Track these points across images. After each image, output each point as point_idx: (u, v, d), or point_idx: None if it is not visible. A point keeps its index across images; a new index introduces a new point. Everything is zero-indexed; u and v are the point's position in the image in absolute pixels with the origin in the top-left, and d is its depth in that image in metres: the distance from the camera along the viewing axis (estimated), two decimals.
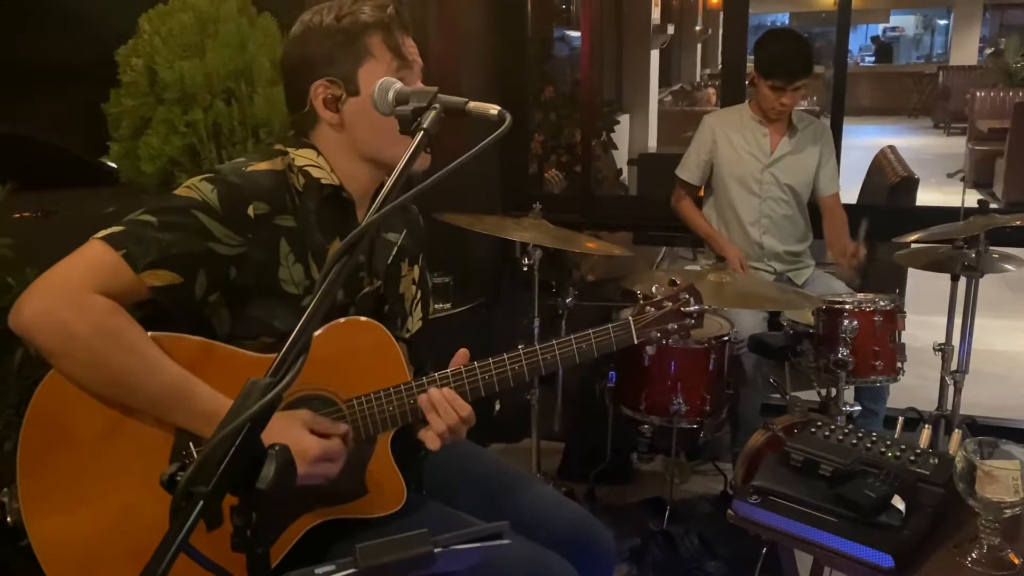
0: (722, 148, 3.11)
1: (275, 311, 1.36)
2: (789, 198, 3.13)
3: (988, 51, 15.84)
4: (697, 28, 13.44)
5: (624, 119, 8.52)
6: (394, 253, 1.55)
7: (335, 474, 1.31)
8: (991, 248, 2.53)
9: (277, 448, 0.73)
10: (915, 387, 2.77)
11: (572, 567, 1.44)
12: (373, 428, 1.37)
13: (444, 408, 1.35)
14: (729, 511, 1.60)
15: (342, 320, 1.38)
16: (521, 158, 3.77)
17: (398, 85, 1.14)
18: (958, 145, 10.72)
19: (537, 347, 1.40)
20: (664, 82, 10.64)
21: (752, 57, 3.16)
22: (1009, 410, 3.80)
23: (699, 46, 13.99)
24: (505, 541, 0.82)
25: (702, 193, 3.27)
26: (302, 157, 1.43)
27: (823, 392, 2.53)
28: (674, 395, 2.51)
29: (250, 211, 1.33)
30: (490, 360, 1.39)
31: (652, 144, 8.74)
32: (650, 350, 2.52)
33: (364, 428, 1.36)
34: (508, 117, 1.06)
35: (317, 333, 1.34)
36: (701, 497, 2.91)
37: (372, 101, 1.16)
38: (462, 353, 1.41)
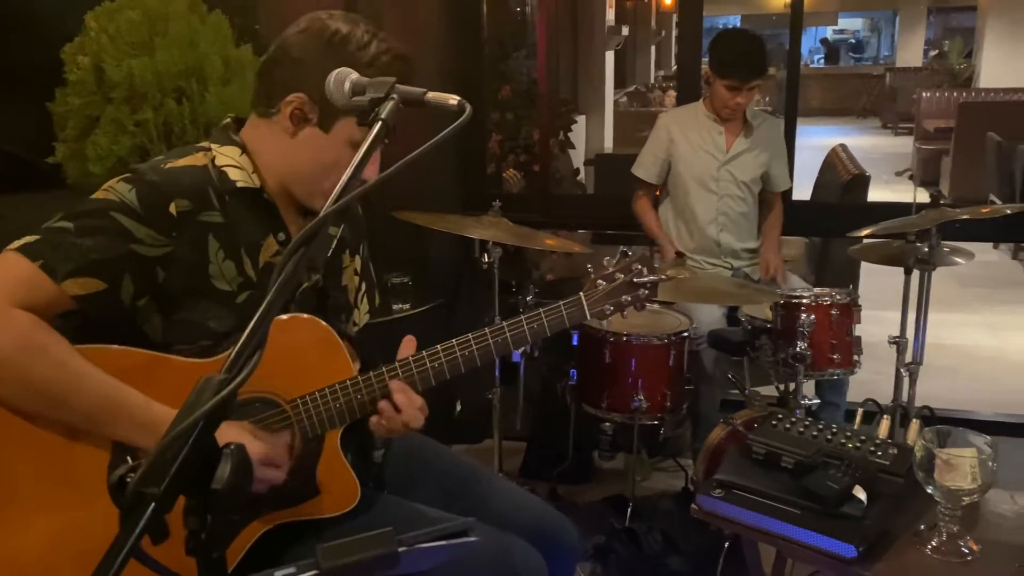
0: (679, 147, 3.12)
1: (210, 312, 1.32)
2: (745, 195, 3.16)
3: (933, 53, 16.24)
4: (651, 30, 13.55)
5: (581, 120, 8.55)
6: (334, 246, 1.51)
7: (280, 480, 1.28)
8: (942, 242, 2.58)
9: (232, 447, 0.70)
10: (871, 381, 2.81)
11: (537, 553, 1.42)
12: (320, 426, 1.34)
13: (392, 395, 1.34)
14: (693, 505, 1.60)
15: (281, 318, 1.34)
16: (479, 157, 3.75)
17: (354, 76, 1.12)
18: (906, 144, 10.96)
19: (487, 330, 1.38)
20: (619, 83, 10.70)
21: (707, 57, 3.18)
22: (961, 402, 3.87)
23: (653, 48, 14.10)
24: (472, 539, 0.80)
25: (658, 192, 3.28)
26: (224, 155, 1.38)
27: (782, 387, 2.55)
28: (635, 392, 2.51)
29: (172, 209, 1.29)
30: (439, 347, 1.37)
31: (608, 145, 8.78)
32: (611, 348, 2.52)
33: (311, 427, 1.33)
34: (468, 107, 1.04)
35: None
36: (663, 494, 2.92)
37: (327, 93, 1.13)
38: (408, 341, 1.39)
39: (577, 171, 5.51)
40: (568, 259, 4.70)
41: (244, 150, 1.39)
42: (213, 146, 1.39)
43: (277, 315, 1.30)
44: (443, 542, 0.77)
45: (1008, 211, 2.48)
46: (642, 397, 2.50)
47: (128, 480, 0.64)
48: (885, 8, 20.06)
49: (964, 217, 2.33)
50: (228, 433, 1.22)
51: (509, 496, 1.57)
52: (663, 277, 1.49)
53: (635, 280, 1.46)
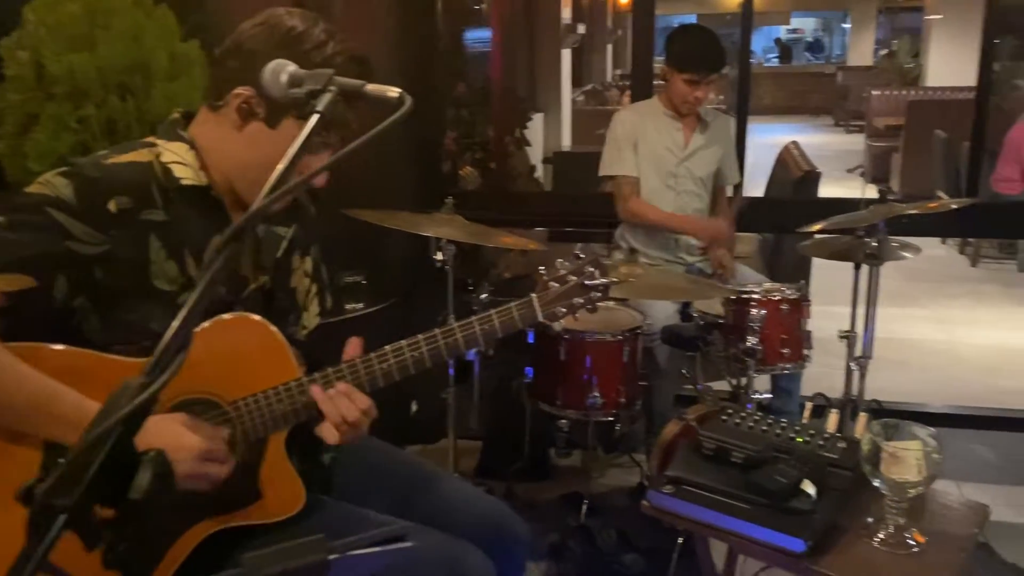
0: (640, 143, 3.11)
1: (151, 312, 1.28)
2: (701, 191, 3.18)
3: (883, 52, 16.55)
4: (608, 29, 13.60)
5: (538, 118, 8.55)
6: (284, 247, 1.48)
7: (223, 476, 1.24)
8: (890, 237, 2.61)
9: (152, 453, 0.67)
10: (822, 375, 2.84)
11: (487, 558, 1.41)
12: (263, 429, 1.30)
13: (339, 399, 1.30)
14: (644, 501, 1.60)
15: (223, 317, 1.31)
16: (434, 155, 3.72)
17: (292, 67, 1.09)
18: (857, 142, 11.16)
19: (438, 331, 1.35)
20: (576, 82, 10.72)
21: (663, 53, 3.17)
22: (910, 395, 3.94)
23: (610, 47, 14.16)
24: (407, 544, 0.78)
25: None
26: (170, 152, 1.35)
27: (734, 381, 2.56)
28: (590, 389, 2.50)
29: (111, 206, 1.25)
30: (387, 348, 1.34)
31: (567, 143, 8.80)
32: (565, 345, 2.51)
33: (253, 430, 1.30)
34: (408, 100, 1.01)
35: (196, 333, 1.27)
36: (618, 490, 2.92)
37: (264, 84, 1.10)
38: (354, 342, 1.36)
39: (533, 168, 5.49)
40: (525, 257, 4.69)
41: (192, 146, 1.36)
42: (159, 142, 1.36)
43: (220, 315, 1.29)
44: (378, 548, 0.75)
45: (954, 206, 2.52)
46: (597, 394, 2.50)
47: (37, 491, 0.60)
48: (837, 8, 20.39)
49: (911, 212, 2.36)
50: (162, 427, 1.18)
51: (462, 497, 1.55)
52: (615, 280, 1.48)
53: (587, 282, 1.45)
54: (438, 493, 1.53)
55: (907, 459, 1.41)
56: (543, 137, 8.66)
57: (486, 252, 4.11)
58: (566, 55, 8.77)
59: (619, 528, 2.49)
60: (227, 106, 1.32)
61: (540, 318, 1.41)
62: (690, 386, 2.95)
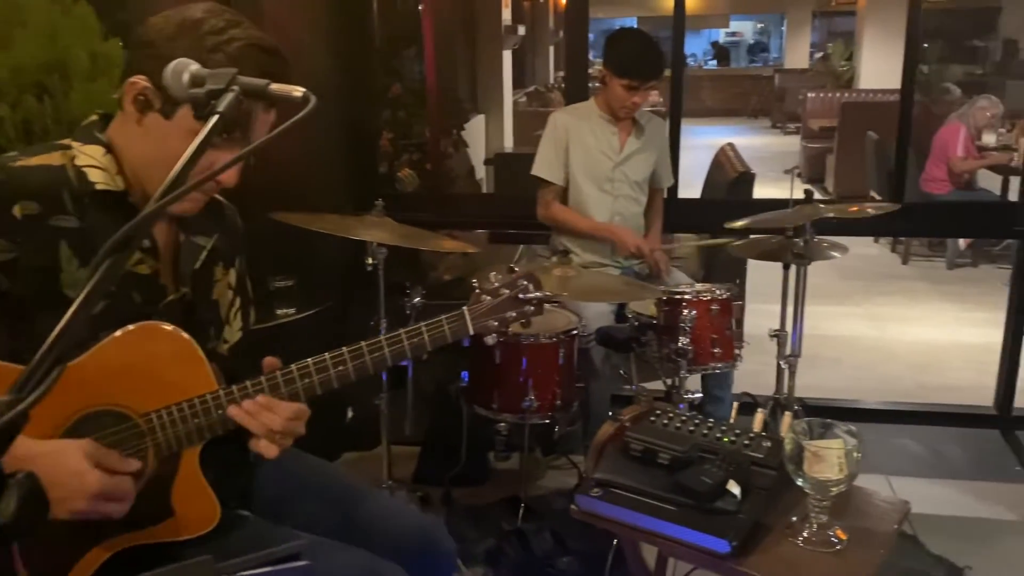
0: (575, 147, 3.09)
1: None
2: (637, 195, 3.19)
3: (818, 55, 16.93)
4: (550, 30, 13.65)
5: (480, 119, 8.54)
6: (203, 257, 1.43)
7: (122, 514, 1.19)
8: (819, 237, 2.66)
9: (20, 476, 0.63)
10: (759, 373, 2.87)
11: (407, 574, 1.38)
12: (176, 443, 1.25)
13: (260, 414, 1.25)
14: (572, 505, 1.59)
15: (132, 327, 1.25)
16: (369, 156, 3.67)
17: (195, 66, 1.04)
18: (794, 143, 11.37)
19: (364, 345, 1.32)
20: (519, 84, 10.73)
21: (601, 56, 3.17)
22: (842, 391, 4.03)
23: (552, 48, 14.21)
24: (303, 563, 0.75)
25: None
26: (85, 155, 1.29)
27: (668, 381, 2.58)
28: (525, 392, 2.49)
29: (16, 211, 1.20)
30: (310, 361, 1.30)
31: (508, 144, 8.80)
32: (500, 348, 2.50)
33: (166, 444, 1.25)
34: (313, 99, 0.98)
35: (105, 342, 1.22)
36: (556, 492, 2.91)
37: (165, 84, 1.05)
38: (269, 362, 1.31)
39: (473, 170, 5.47)
40: (466, 259, 4.67)
41: (109, 149, 1.30)
42: (75, 144, 1.30)
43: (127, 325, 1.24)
44: (270, 568, 0.72)
45: (871, 211, 2.56)
46: (532, 397, 2.49)
47: None
48: (774, 11, 20.80)
49: (830, 215, 2.40)
50: (60, 460, 1.12)
51: (386, 512, 1.51)
52: (549, 294, 1.47)
53: (520, 296, 1.43)
54: (363, 508, 1.50)
55: (829, 458, 1.42)
56: (485, 138, 8.66)
57: (425, 254, 4.07)
58: (507, 56, 8.76)
59: (555, 531, 2.48)
60: (124, 99, 1.28)
61: (471, 332, 1.39)
62: (627, 386, 2.96)
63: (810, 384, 3.83)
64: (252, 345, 1.61)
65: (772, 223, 2.44)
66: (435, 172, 3.82)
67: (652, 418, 1.72)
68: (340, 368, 1.30)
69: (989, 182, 6.74)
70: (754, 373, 2.91)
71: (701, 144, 9.12)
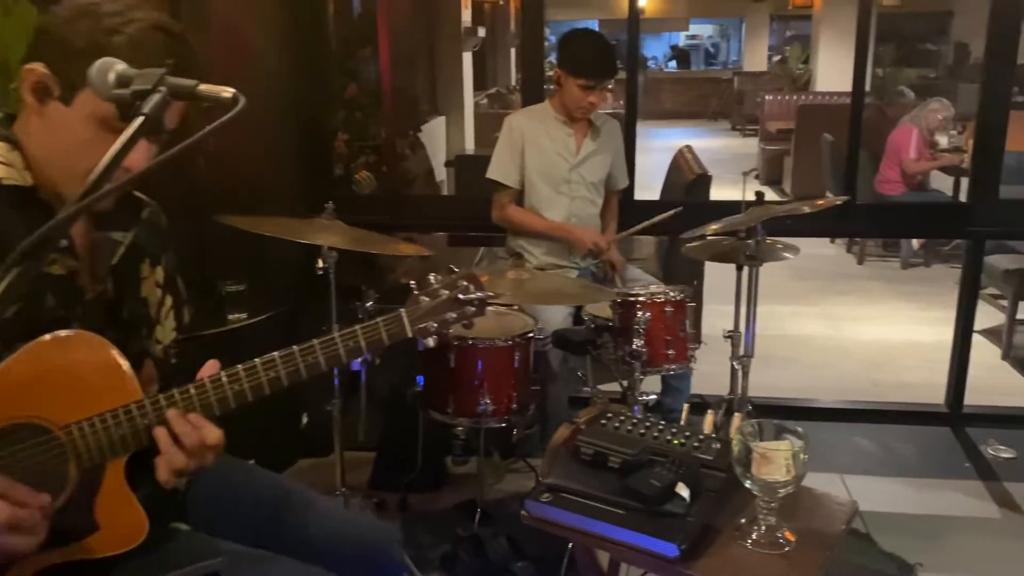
0: (531, 149, 3.08)
1: None
2: (594, 196, 3.19)
3: (776, 59, 17.15)
4: (511, 32, 13.65)
5: (440, 121, 8.50)
6: (121, 253, 1.39)
7: (31, 548, 1.13)
8: (773, 238, 2.68)
9: None
10: (718, 373, 2.88)
11: None
12: (99, 455, 1.20)
13: (182, 429, 1.21)
14: (523, 511, 1.57)
15: (54, 335, 1.21)
16: (324, 158, 3.62)
17: (121, 66, 1.01)
18: (753, 145, 11.49)
19: (296, 349, 1.28)
20: (480, 86, 10.70)
21: (555, 57, 3.17)
22: (798, 390, 4.06)
23: (513, 50, 14.21)
24: None
25: None
26: None
27: (624, 383, 2.57)
28: (481, 395, 2.47)
29: None
30: (240, 368, 1.26)
31: (470, 146, 8.77)
32: (455, 352, 2.47)
33: (87, 456, 1.20)
34: (242, 99, 0.96)
35: (19, 352, 1.17)
36: (513, 496, 2.89)
37: (90, 85, 1.02)
38: (210, 365, 1.28)
39: (431, 172, 5.44)
40: (424, 262, 4.63)
41: (15, 145, 1.26)
42: None
43: (55, 332, 1.20)
44: None
45: (807, 208, 2.56)
46: (488, 400, 2.46)
47: None
48: (733, 15, 21.01)
49: (787, 213, 2.41)
50: None
51: (330, 521, 1.48)
52: (491, 294, 1.44)
53: (461, 297, 1.39)
54: (305, 518, 1.46)
55: (776, 459, 1.42)
56: (446, 140, 8.62)
57: (382, 257, 4.03)
58: (467, 57, 8.73)
59: (511, 536, 2.46)
60: (23, 89, 1.23)
61: (409, 334, 1.35)
62: (585, 388, 2.96)
63: (766, 383, 3.87)
64: (201, 351, 1.56)
65: (725, 227, 2.45)
66: (391, 174, 3.77)
67: (603, 421, 1.71)
68: (271, 374, 1.26)
69: (942, 183, 6.86)
70: (713, 374, 2.92)
71: (661, 146, 9.17)
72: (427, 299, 1.36)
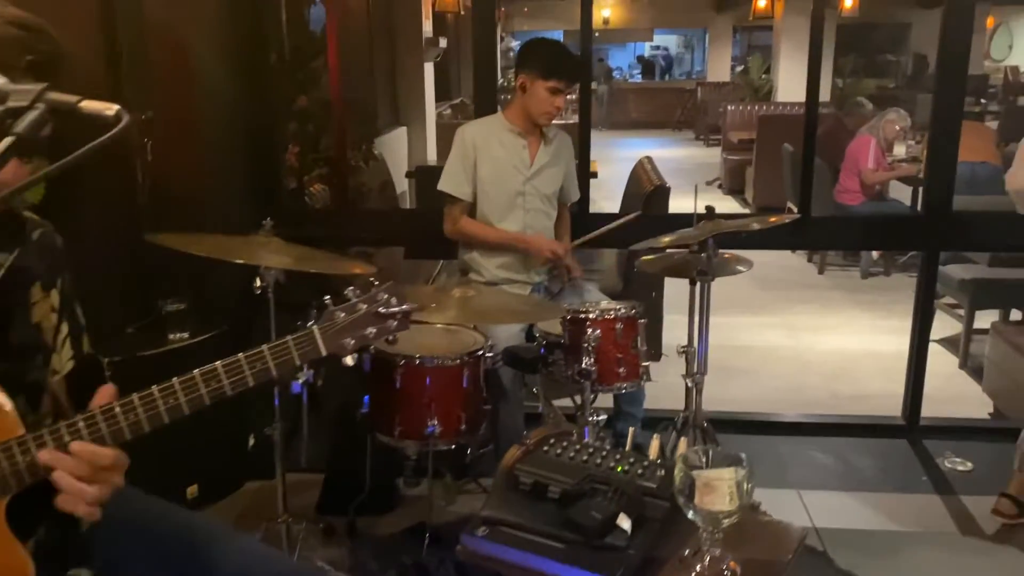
0: (483, 161, 3.02)
1: None
2: (548, 208, 3.13)
3: (739, 69, 17.31)
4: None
5: (402, 132, 8.43)
6: (1, 275, 1.29)
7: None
8: (728, 250, 2.64)
9: None
10: (674, 386, 2.82)
11: None
12: None
13: (68, 463, 1.12)
14: (458, 547, 1.50)
15: None
16: (272, 172, 3.52)
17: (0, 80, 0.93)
18: (716, 155, 11.55)
19: (196, 374, 1.20)
20: (443, 96, 10.64)
21: (517, 64, 3.09)
22: (758, 402, 4.04)
23: None
24: None
25: None
26: None
27: (576, 400, 2.51)
28: (428, 416, 2.39)
29: None
30: (135, 396, 1.18)
31: (432, 157, 8.70)
32: (401, 371, 2.40)
33: None
34: (126, 117, 0.88)
35: None
36: (465, 519, 2.80)
37: None
38: (105, 392, 1.19)
39: (387, 184, 5.36)
40: (381, 276, 4.54)
41: None
42: None
43: None
44: None
45: (756, 225, 2.53)
46: (436, 422, 2.39)
47: None
48: (697, 26, 21.20)
49: (736, 227, 2.37)
50: None
51: (250, 556, 1.39)
52: (414, 306, 1.36)
53: (381, 311, 1.32)
54: (226, 557, 1.38)
55: (720, 488, 1.36)
56: (407, 151, 8.54)
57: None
58: (428, 68, 8.68)
59: (458, 562, 2.37)
60: None
61: (324, 352, 1.27)
62: (538, 403, 2.90)
63: (726, 397, 3.84)
64: (142, 372, 1.47)
65: (676, 240, 2.40)
66: (345, 187, 3.69)
67: (545, 447, 1.64)
68: (170, 402, 1.17)
69: (901, 193, 6.92)
70: (672, 386, 2.85)
71: (627, 156, 9.17)
72: (343, 314, 1.28)
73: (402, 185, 6.96)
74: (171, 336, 2.84)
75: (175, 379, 1.18)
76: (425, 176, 6.74)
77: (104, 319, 2.91)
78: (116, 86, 2.59)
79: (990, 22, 16.30)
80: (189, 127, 3.07)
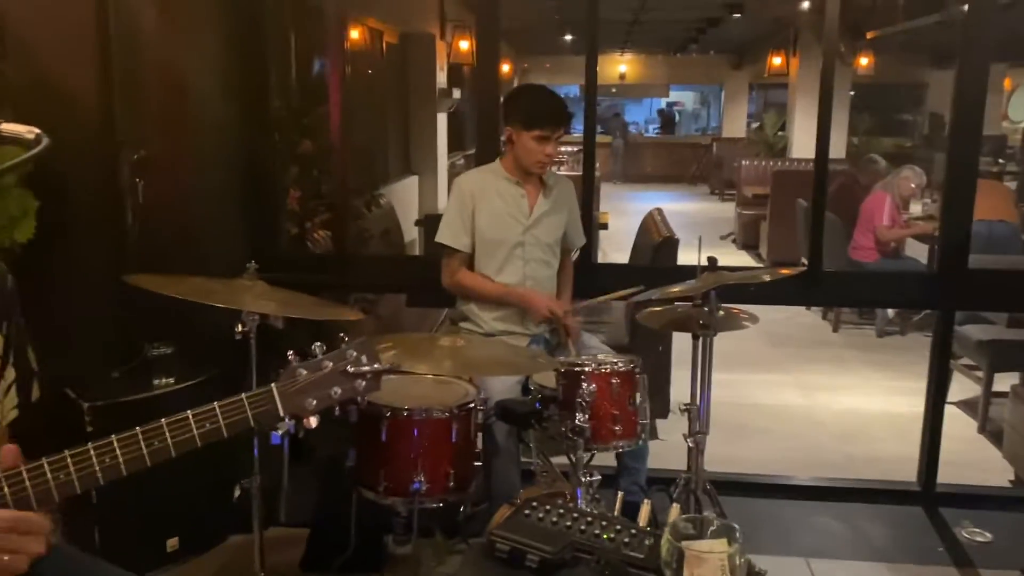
0: (481, 211, 2.95)
1: None
2: (550, 257, 3.05)
3: (754, 125, 17.36)
4: None
5: (413, 180, 8.45)
6: None
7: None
8: (734, 306, 2.53)
9: None
10: (680, 444, 2.67)
11: None
12: None
13: None
14: None
15: None
16: (270, 216, 3.47)
17: None
18: (730, 209, 11.49)
19: (139, 431, 1.10)
20: (457, 146, 10.70)
21: (503, 116, 3.06)
22: (771, 462, 3.89)
23: None
24: None
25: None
26: None
27: (573, 458, 2.39)
28: (414, 472, 2.28)
29: None
30: (67, 454, 1.07)
31: (443, 205, 8.70)
32: (388, 424, 2.29)
33: None
34: (45, 139, 0.81)
35: None
36: None
37: None
38: (7, 451, 1.09)
39: (392, 231, 5.31)
40: (379, 322, 4.46)
41: None
42: None
43: None
44: None
45: (763, 277, 2.44)
46: (423, 478, 2.28)
47: None
48: (713, 83, 21.36)
49: (735, 283, 2.27)
50: None
51: None
52: (387, 367, 1.26)
53: (350, 369, 1.22)
54: None
55: (710, 562, 1.25)
56: (418, 199, 8.55)
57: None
58: (441, 118, 8.73)
59: None
60: None
61: (282, 413, 1.17)
62: (535, 459, 2.77)
63: (736, 456, 3.69)
64: (127, 418, 1.37)
65: (679, 294, 2.30)
66: (343, 232, 3.64)
67: (527, 511, 1.53)
68: (107, 461, 1.07)
69: (917, 251, 6.80)
70: (679, 444, 2.71)
71: (640, 209, 9.11)
72: (305, 372, 1.19)
73: (411, 233, 6.94)
74: (156, 381, 2.75)
75: (113, 436, 1.08)
76: (434, 224, 6.67)
77: (88, 363, 2.84)
78: (108, 123, 2.55)
79: (1007, 84, 16.32)
80: (186, 168, 3.03)
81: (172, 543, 2.85)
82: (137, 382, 2.76)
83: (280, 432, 2.28)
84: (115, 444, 1.08)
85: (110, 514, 2.67)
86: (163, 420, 1.11)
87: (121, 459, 1.08)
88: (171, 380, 2.77)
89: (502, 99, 3.35)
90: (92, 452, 1.07)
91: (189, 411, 1.12)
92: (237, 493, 3.05)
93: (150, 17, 2.83)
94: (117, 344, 2.85)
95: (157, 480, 1.12)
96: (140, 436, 1.09)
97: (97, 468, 1.07)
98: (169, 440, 1.10)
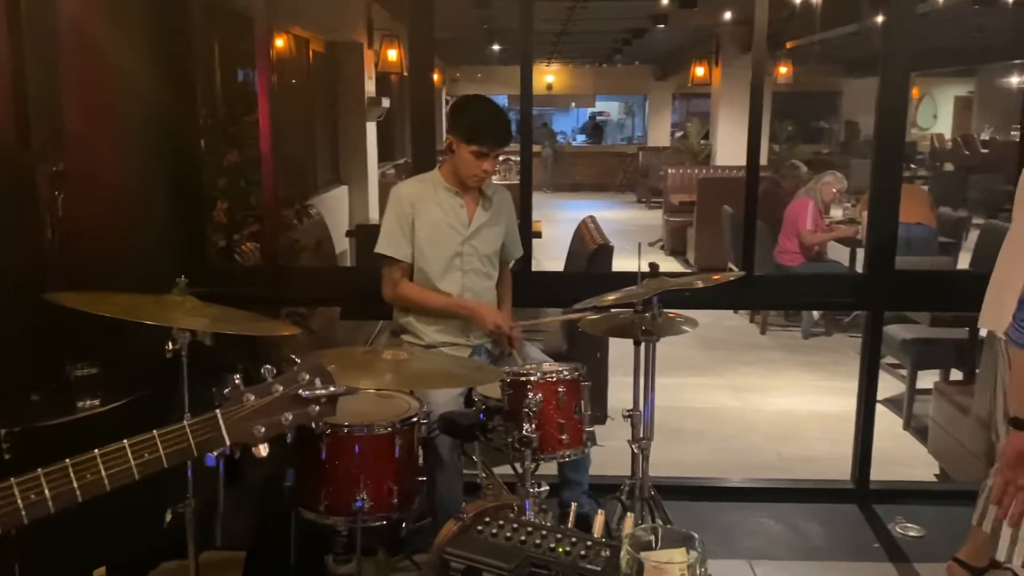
0: (421, 221, 2.88)
1: None
2: (488, 269, 3.01)
3: (678, 134, 17.71)
4: None
5: (343, 190, 8.31)
6: None
7: None
8: (671, 311, 2.55)
9: None
10: (625, 450, 2.67)
11: None
12: None
13: None
14: None
15: None
16: (197, 228, 3.35)
17: None
18: (658, 217, 11.67)
19: (69, 463, 1.02)
20: (387, 156, 10.58)
21: (447, 122, 3.02)
22: (706, 465, 3.95)
23: None
24: None
25: None
26: None
27: (518, 469, 2.36)
28: (356, 490, 2.22)
29: None
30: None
31: (374, 216, 8.59)
32: (327, 441, 2.23)
33: None
34: None
35: None
36: None
37: None
38: None
39: (323, 242, 5.20)
40: (312, 337, 4.36)
41: None
42: None
43: None
44: None
45: (701, 283, 2.46)
46: (365, 495, 2.22)
47: None
48: (637, 93, 21.71)
49: (677, 288, 2.29)
50: None
51: None
52: (341, 390, 1.21)
53: (303, 394, 1.16)
54: None
55: (670, 572, 1.23)
56: (348, 209, 8.42)
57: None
58: (371, 127, 8.63)
59: None
60: None
61: (227, 442, 1.11)
62: (479, 472, 2.73)
63: (673, 459, 3.72)
64: (48, 444, 1.28)
65: (620, 299, 2.30)
66: (273, 244, 3.53)
67: (480, 527, 1.49)
68: (32, 496, 0.99)
69: (838, 254, 7.00)
70: (619, 450, 2.71)
71: (571, 217, 9.18)
72: (253, 397, 1.12)
73: (342, 244, 6.82)
74: (79, 404, 2.61)
75: (40, 470, 1.00)
76: (366, 235, 6.62)
77: (4, 386, 2.68)
78: (23, 135, 2.42)
79: (915, 92, 17.04)
80: (108, 180, 2.90)
81: (99, 573, 2.71)
82: (59, 405, 2.61)
83: (215, 453, 2.22)
84: (42, 478, 0.99)
85: (30, 545, 2.53)
86: (96, 451, 1.03)
87: (48, 495, 0.99)
88: (96, 402, 2.62)
89: (448, 106, 3.32)
90: (15, 488, 0.99)
91: (126, 440, 1.04)
92: (169, 517, 2.95)
93: (68, 22, 2.70)
94: (36, 365, 2.70)
95: (82, 504, 1.04)
96: (71, 468, 1.01)
97: (21, 506, 0.98)
98: (103, 472, 1.02)
